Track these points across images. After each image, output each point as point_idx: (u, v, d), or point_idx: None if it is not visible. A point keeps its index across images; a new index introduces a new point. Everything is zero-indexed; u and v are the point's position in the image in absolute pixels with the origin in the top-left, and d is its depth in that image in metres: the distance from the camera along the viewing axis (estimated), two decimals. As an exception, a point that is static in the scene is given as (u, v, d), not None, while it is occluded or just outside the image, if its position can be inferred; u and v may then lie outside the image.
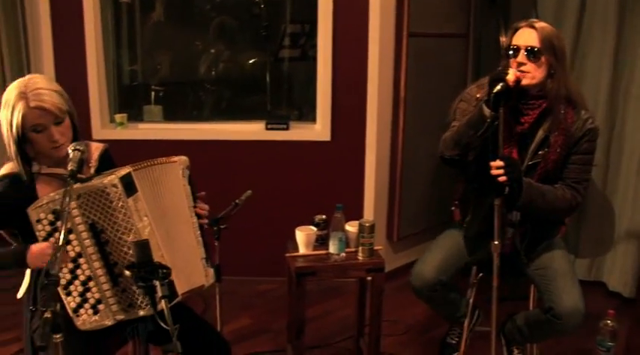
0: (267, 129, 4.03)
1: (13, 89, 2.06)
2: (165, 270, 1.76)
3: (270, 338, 3.54)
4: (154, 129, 4.15)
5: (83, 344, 2.07)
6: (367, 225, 2.81)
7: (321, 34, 3.90)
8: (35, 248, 2.01)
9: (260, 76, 4.72)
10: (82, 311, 2.06)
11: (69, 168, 1.93)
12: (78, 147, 2.01)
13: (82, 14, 3.91)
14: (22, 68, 4.51)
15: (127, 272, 1.80)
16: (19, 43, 4.34)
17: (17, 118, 2.03)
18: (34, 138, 2.08)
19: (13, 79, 2.14)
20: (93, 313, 2.05)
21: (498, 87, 2.36)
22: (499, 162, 2.39)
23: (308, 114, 4.31)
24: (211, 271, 2.33)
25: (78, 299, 2.06)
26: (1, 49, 4.82)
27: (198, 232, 2.28)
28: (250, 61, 4.86)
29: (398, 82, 4.01)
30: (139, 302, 2.06)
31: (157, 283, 1.72)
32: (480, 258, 2.75)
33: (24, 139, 2.08)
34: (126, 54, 4.59)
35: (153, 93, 4.69)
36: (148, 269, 1.75)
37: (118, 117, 4.08)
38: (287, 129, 4.01)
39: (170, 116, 4.42)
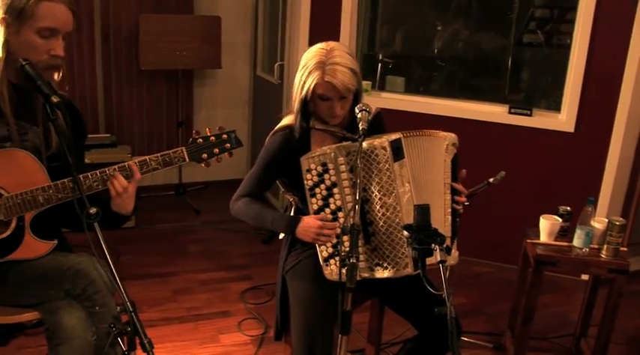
0: (509, 113, 3.98)
1: (314, 55, 2.19)
2: (441, 237, 1.81)
3: (484, 320, 3.55)
4: (395, 100, 4.25)
5: (328, 293, 2.18)
6: (617, 223, 2.71)
7: (580, 21, 3.73)
8: (304, 222, 2.18)
9: (500, 59, 4.65)
10: (331, 261, 2.19)
11: (360, 127, 2.05)
12: (365, 108, 2.12)
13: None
14: (275, 32, 4.83)
15: (405, 233, 1.87)
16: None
17: (310, 83, 2.17)
18: (318, 103, 2.23)
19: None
20: (341, 265, 2.17)
21: None
22: None
23: (540, 101, 4.20)
24: (455, 253, 2.30)
25: (330, 250, 2.19)
26: (256, 11, 5.19)
27: (449, 210, 2.26)
28: (491, 42, 4.80)
29: (657, 79, 3.77)
30: (385, 263, 2.13)
31: (436, 247, 1.77)
32: None
33: (309, 99, 2.23)
34: (366, 25, 4.73)
35: (380, 64, 4.80)
36: (427, 233, 1.81)
37: (364, 84, 4.22)
38: (530, 115, 3.93)
39: (409, 88, 4.51)
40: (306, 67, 2.19)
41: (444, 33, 4.90)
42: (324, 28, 4.11)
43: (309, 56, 2.21)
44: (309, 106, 2.28)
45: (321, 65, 2.15)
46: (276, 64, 4.61)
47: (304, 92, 2.19)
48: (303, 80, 2.20)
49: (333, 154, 2.13)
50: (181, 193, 5.14)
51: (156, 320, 3.31)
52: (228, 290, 3.70)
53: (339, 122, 2.31)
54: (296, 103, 2.26)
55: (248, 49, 5.39)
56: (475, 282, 4.02)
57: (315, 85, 2.16)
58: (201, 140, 2.07)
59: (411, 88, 4.54)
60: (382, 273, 2.15)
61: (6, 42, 1.92)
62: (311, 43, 2.32)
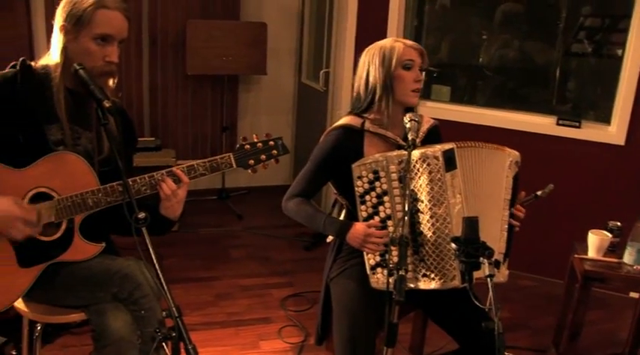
0: (557, 124, 3.92)
1: (383, 42, 2.31)
2: (489, 251, 1.78)
3: (527, 334, 3.49)
4: (440, 109, 4.21)
5: (373, 301, 2.18)
6: (671, 241, 2.63)
7: (635, 29, 3.67)
8: (355, 229, 2.17)
9: (548, 69, 4.57)
10: (378, 270, 2.18)
11: (409, 137, 2.03)
12: (414, 118, 2.11)
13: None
14: (321, 39, 4.83)
15: (453, 245, 1.84)
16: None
17: (397, 53, 2.25)
18: (401, 76, 2.26)
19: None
20: (388, 275, 2.14)
21: None
22: None
23: (589, 112, 4.12)
24: (506, 271, 2.25)
25: (378, 259, 2.18)
26: (302, 18, 5.21)
27: (505, 226, 2.22)
28: (539, 52, 4.71)
29: None
30: (432, 275, 2.10)
31: (485, 261, 1.74)
32: None
33: (391, 78, 2.26)
34: (412, 33, 4.70)
35: (425, 72, 4.75)
36: (475, 246, 1.79)
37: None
38: (579, 127, 3.87)
39: (454, 98, 4.47)
40: (383, 50, 2.28)
41: (490, 42, 4.84)
42: (370, 35, 4.07)
43: (380, 44, 2.32)
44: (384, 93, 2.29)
45: (396, 41, 2.30)
46: (322, 71, 4.62)
47: (393, 64, 2.25)
48: (387, 57, 2.26)
49: (385, 162, 2.13)
50: (224, 198, 5.17)
51: (197, 324, 3.33)
52: (269, 297, 3.71)
53: (389, 122, 2.32)
54: (379, 87, 2.28)
55: (293, 56, 5.42)
56: (519, 296, 3.95)
57: (403, 51, 2.25)
58: (248, 146, 2.08)
59: (457, 98, 4.50)
60: (428, 284, 2.12)
61: (64, 48, 1.97)
62: (357, 51, 2.36)
